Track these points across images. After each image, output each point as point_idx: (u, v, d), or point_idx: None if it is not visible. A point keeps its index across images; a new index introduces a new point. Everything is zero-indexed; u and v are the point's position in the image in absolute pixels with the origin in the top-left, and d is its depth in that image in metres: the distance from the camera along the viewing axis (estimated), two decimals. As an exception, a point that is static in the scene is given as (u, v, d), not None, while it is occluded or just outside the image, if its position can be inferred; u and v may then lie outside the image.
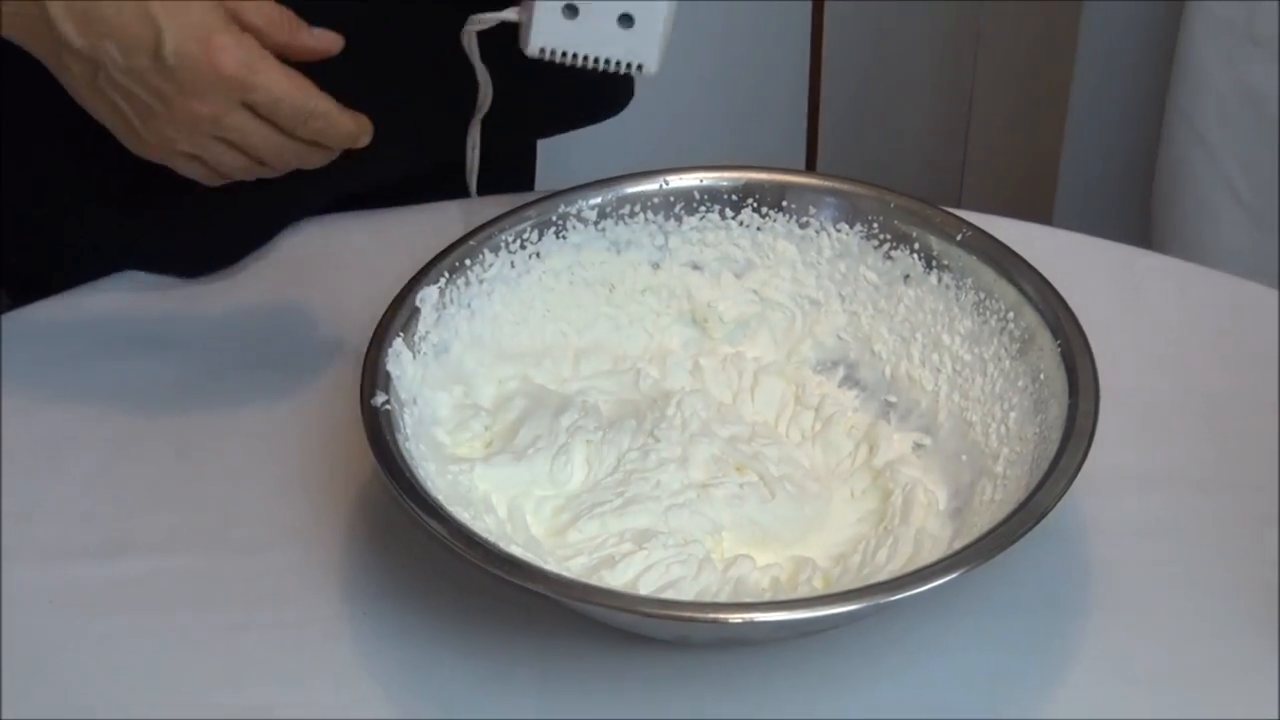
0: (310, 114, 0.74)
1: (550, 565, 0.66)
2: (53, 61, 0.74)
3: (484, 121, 0.86)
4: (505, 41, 0.79)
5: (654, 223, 0.78)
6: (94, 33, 0.70)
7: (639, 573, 0.67)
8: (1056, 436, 0.67)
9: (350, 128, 0.75)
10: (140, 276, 0.87)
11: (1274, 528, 0.72)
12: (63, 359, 0.82)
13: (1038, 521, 0.63)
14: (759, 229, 0.79)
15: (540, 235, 0.77)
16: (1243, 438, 0.77)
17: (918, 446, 0.75)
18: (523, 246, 0.77)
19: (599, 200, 0.78)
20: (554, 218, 0.77)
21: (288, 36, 0.74)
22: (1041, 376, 0.70)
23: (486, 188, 0.88)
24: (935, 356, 0.76)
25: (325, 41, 0.76)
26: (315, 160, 0.77)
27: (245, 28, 0.72)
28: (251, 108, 0.73)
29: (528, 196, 0.78)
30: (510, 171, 1.09)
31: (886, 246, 0.77)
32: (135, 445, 0.77)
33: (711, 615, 0.63)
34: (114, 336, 0.84)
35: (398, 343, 0.71)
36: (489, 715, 0.66)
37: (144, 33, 0.70)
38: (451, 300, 0.74)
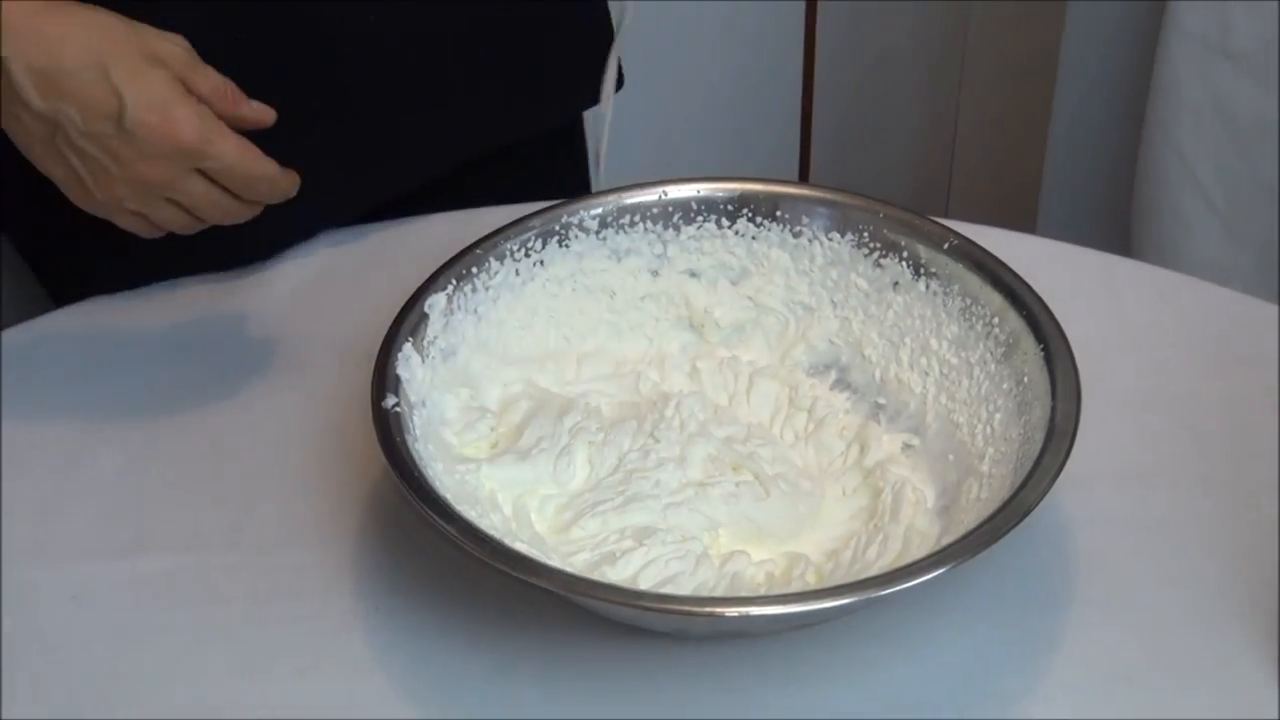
0: (257, 179, 0.76)
1: (554, 561, 0.66)
2: (8, 120, 0.73)
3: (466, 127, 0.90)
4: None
5: (653, 232, 0.79)
6: (55, 96, 0.71)
7: (639, 568, 0.68)
8: (1039, 437, 0.67)
9: (287, 187, 0.78)
10: (158, 286, 0.87)
11: (1250, 522, 0.72)
12: (85, 365, 0.82)
13: (1022, 519, 0.63)
14: (754, 238, 0.79)
15: (544, 244, 0.77)
16: (1219, 437, 0.77)
17: (906, 447, 0.75)
18: (527, 255, 0.77)
19: (600, 210, 0.78)
20: (557, 227, 0.77)
21: (231, 107, 0.76)
22: (1025, 379, 0.70)
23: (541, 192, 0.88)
24: (923, 360, 0.76)
25: (261, 114, 0.78)
26: (247, 215, 0.78)
27: (197, 97, 0.74)
28: (202, 173, 0.74)
29: (531, 207, 0.78)
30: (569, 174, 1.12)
31: (876, 255, 0.77)
32: (156, 447, 0.77)
33: (708, 609, 0.63)
34: (133, 343, 0.84)
35: (407, 347, 0.71)
36: (495, 705, 0.66)
37: (106, 100, 0.71)
38: (459, 306, 0.74)
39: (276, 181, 0.77)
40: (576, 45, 0.98)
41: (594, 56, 0.95)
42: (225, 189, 0.76)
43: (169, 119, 0.72)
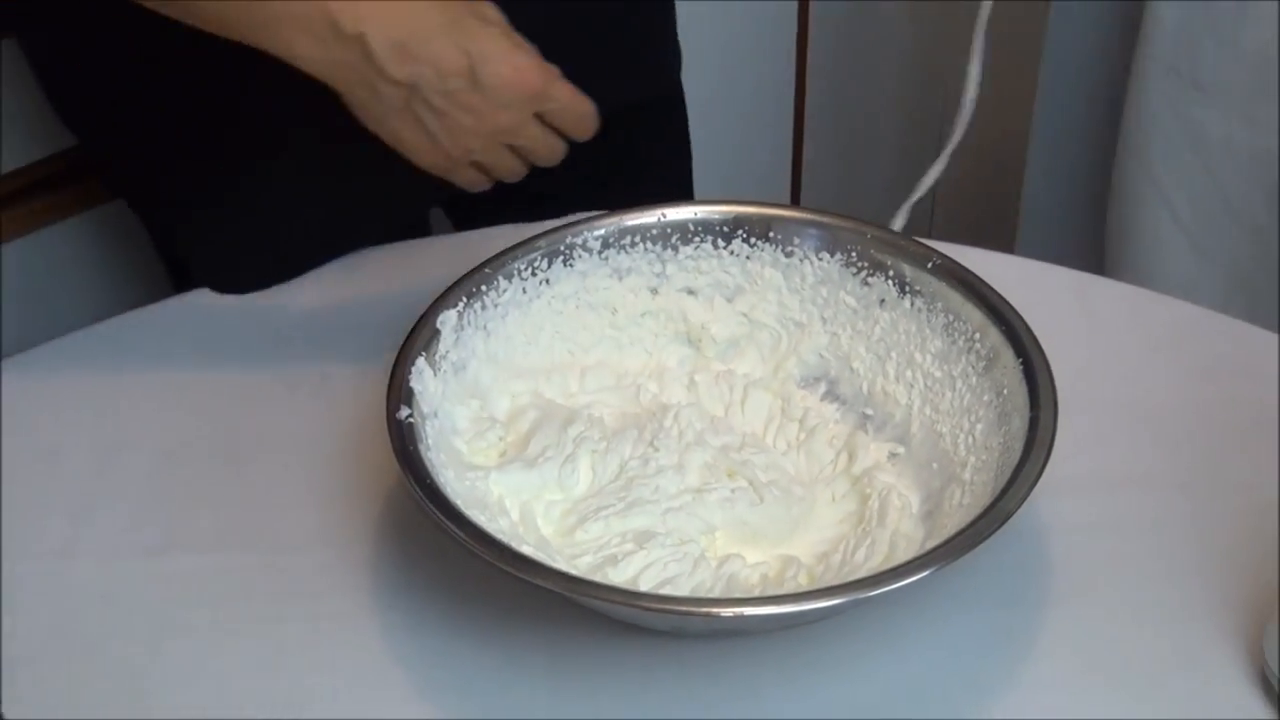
0: (584, 115, 0.79)
1: (559, 563, 0.66)
2: (361, 94, 0.76)
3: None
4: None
5: (652, 252, 0.79)
6: (412, 62, 0.74)
7: (639, 570, 0.68)
8: (1019, 446, 0.67)
9: (595, 122, 0.81)
10: (184, 302, 0.87)
11: (1219, 525, 0.72)
12: (116, 376, 0.83)
13: (1002, 523, 0.63)
14: (748, 257, 0.79)
15: (549, 263, 0.77)
16: (1188, 446, 0.77)
17: (892, 455, 0.75)
18: (533, 273, 0.77)
19: (602, 231, 0.78)
20: (561, 247, 0.77)
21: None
22: (1005, 391, 0.70)
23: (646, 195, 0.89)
24: (908, 373, 0.76)
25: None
26: (562, 155, 0.81)
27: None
28: (540, 117, 0.78)
29: (539, 227, 0.78)
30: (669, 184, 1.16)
31: (864, 273, 0.77)
32: (183, 454, 0.78)
33: (705, 609, 0.63)
34: (163, 354, 0.84)
35: (420, 361, 0.71)
36: (503, 699, 0.66)
37: (457, 59, 0.74)
38: (469, 322, 0.74)
39: (594, 117, 0.80)
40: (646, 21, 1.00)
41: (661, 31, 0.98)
42: (559, 132, 0.80)
43: (517, 69, 0.76)
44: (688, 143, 1.20)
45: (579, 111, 0.79)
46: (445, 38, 0.75)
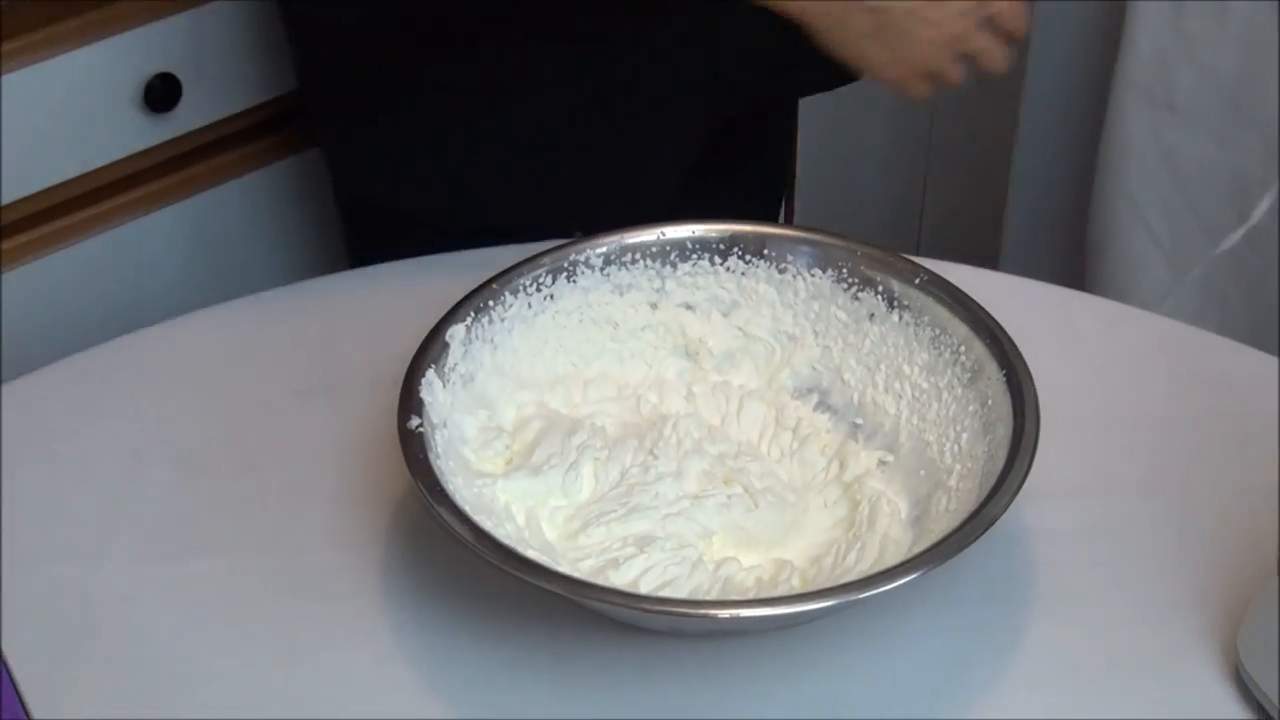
0: (1021, 16, 0.86)
1: (562, 567, 0.66)
2: (837, 27, 0.83)
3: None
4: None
5: (652, 269, 0.79)
6: None
7: (639, 573, 0.68)
8: (1003, 454, 0.67)
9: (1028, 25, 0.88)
10: (203, 317, 0.88)
11: (1194, 530, 0.73)
12: (140, 389, 0.83)
13: (987, 528, 0.63)
14: (743, 274, 0.79)
15: (553, 279, 0.77)
16: (1165, 454, 0.77)
17: (881, 463, 0.75)
18: (538, 289, 0.77)
19: (605, 249, 0.78)
20: (565, 264, 0.78)
21: None
22: (989, 402, 0.71)
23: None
24: (897, 385, 0.76)
25: None
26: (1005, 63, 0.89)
27: None
28: (984, 23, 0.85)
29: (540, 246, 0.79)
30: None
31: (854, 289, 0.78)
32: (204, 462, 0.78)
33: (702, 611, 0.64)
34: (182, 366, 0.84)
35: (430, 373, 0.71)
36: (508, 697, 0.66)
37: None
38: (477, 336, 0.75)
39: (1028, 17, 0.87)
40: None
41: None
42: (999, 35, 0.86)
43: None
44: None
45: (1017, 12, 0.86)
46: None
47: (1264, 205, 1.21)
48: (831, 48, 0.84)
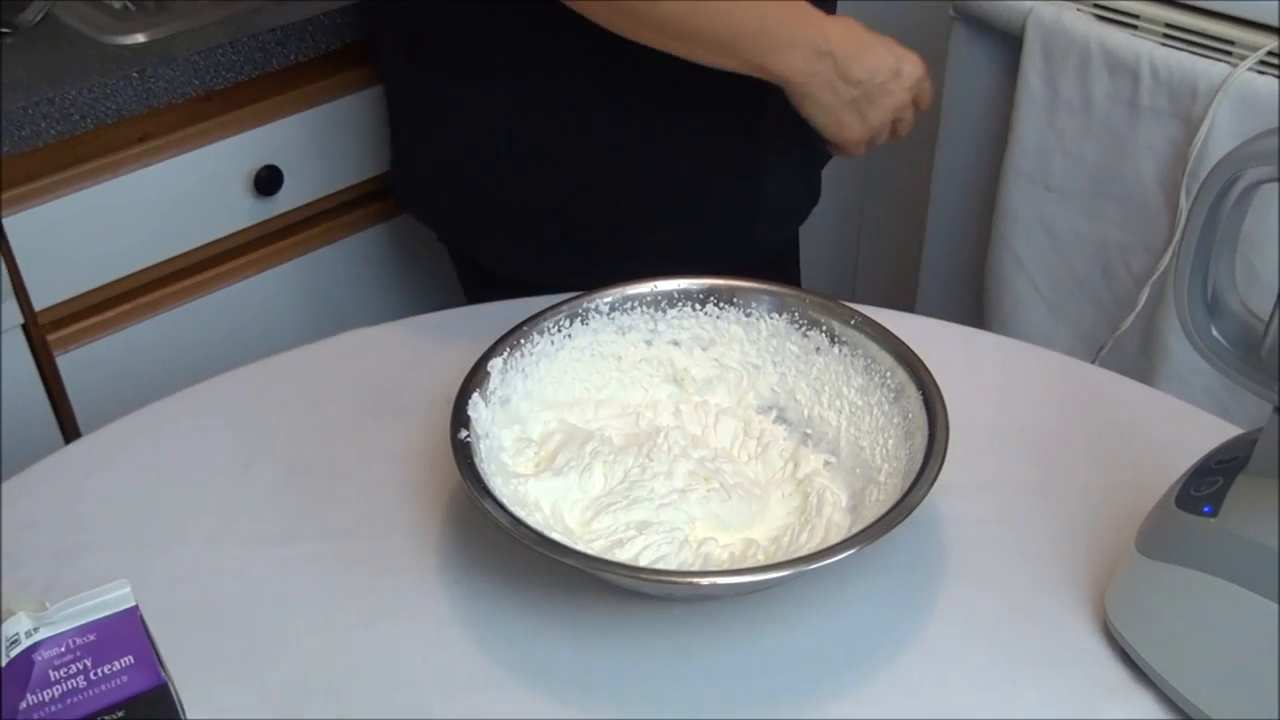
0: (930, 94, 0.89)
1: (579, 546, 0.66)
2: (825, 93, 0.84)
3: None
4: None
5: (647, 314, 0.79)
6: (868, 70, 0.83)
7: (639, 551, 0.68)
8: (920, 457, 0.67)
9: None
10: (297, 355, 0.88)
11: (1070, 516, 0.73)
12: (250, 411, 0.83)
13: (908, 515, 0.64)
14: (718, 317, 0.79)
15: (570, 322, 0.77)
16: (1047, 458, 0.77)
17: (826, 463, 0.75)
18: (558, 330, 0.77)
19: (610, 299, 0.78)
20: (579, 310, 0.78)
21: None
22: (910, 415, 0.71)
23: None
24: (838, 402, 0.76)
25: None
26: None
27: None
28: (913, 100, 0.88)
29: (561, 297, 0.79)
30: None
31: (804, 328, 0.78)
32: (302, 467, 0.78)
33: (688, 580, 0.64)
34: (283, 391, 0.84)
35: (475, 396, 0.71)
36: (538, 648, 0.66)
37: (890, 63, 0.84)
38: (511, 367, 0.75)
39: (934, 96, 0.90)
40: None
41: None
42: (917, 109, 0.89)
43: (915, 63, 0.86)
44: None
45: (930, 94, 0.89)
46: (880, 48, 0.84)
47: (1143, 297, 1.21)
48: (811, 112, 0.85)
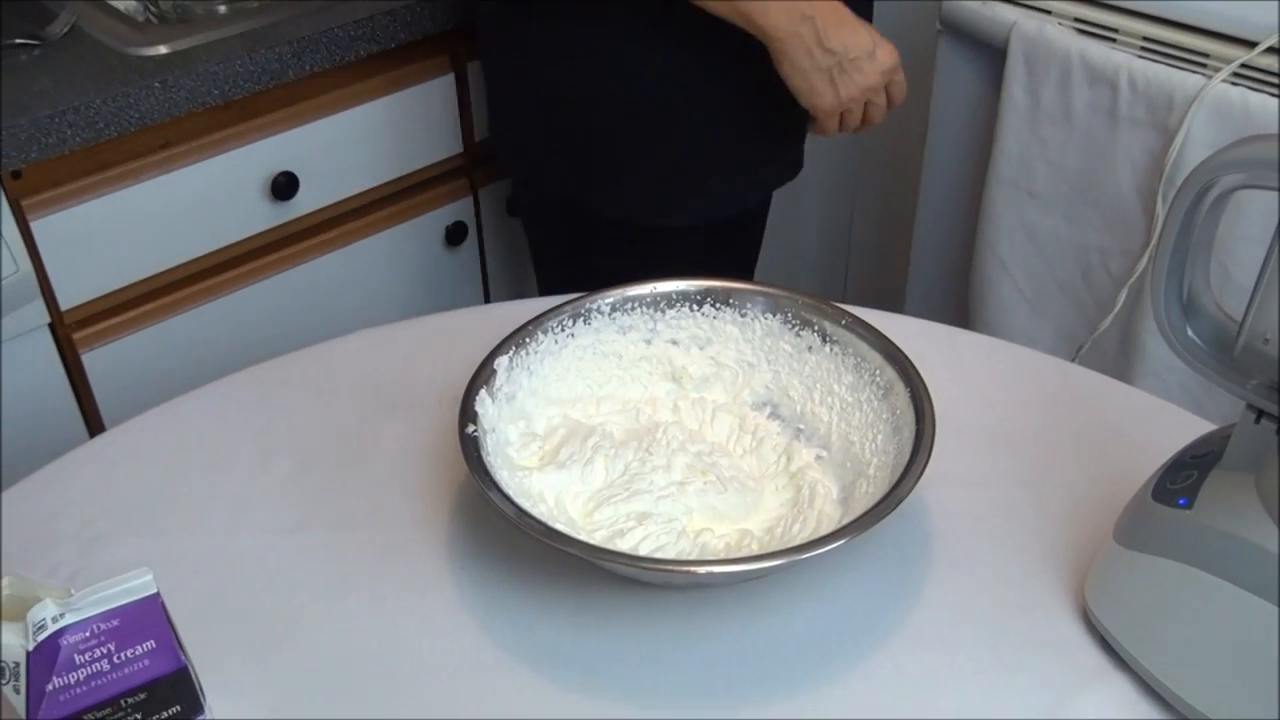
0: (904, 91, 0.93)
1: (582, 536, 0.66)
2: (802, 57, 0.88)
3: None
4: None
5: (647, 314, 0.79)
6: (841, 41, 0.87)
7: (639, 540, 0.68)
8: (908, 451, 0.67)
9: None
10: (311, 353, 0.88)
11: (1049, 508, 0.73)
12: (266, 406, 0.83)
13: (896, 507, 0.63)
14: (714, 318, 0.79)
15: (573, 322, 0.77)
16: (1029, 452, 0.77)
17: (818, 457, 0.75)
18: (562, 330, 0.77)
19: (611, 299, 0.78)
20: (581, 311, 0.78)
21: None
22: (898, 412, 0.71)
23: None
24: (829, 399, 0.76)
25: None
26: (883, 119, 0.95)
27: None
28: (886, 86, 0.91)
29: (565, 298, 0.79)
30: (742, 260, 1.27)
31: (797, 328, 0.78)
32: (315, 461, 0.78)
33: (686, 568, 0.64)
34: (298, 388, 0.84)
35: (482, 393, 0.71)
36: (542, 634, 0.66)
37: (868, 42, 0.88)
38: (517, 365, 0.75)
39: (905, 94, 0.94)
40: None
41: None
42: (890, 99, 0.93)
43: (891, 51, 0.89)
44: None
45: (904, 87, 0.92)
46: (861, 28, 0.88)
47: (1122, 299, 1.21)
48: (787, 73, 0.88)
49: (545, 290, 1.17)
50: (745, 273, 1.30)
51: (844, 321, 0.76)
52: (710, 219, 1.05)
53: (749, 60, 0.92)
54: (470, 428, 0.68)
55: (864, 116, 0.94)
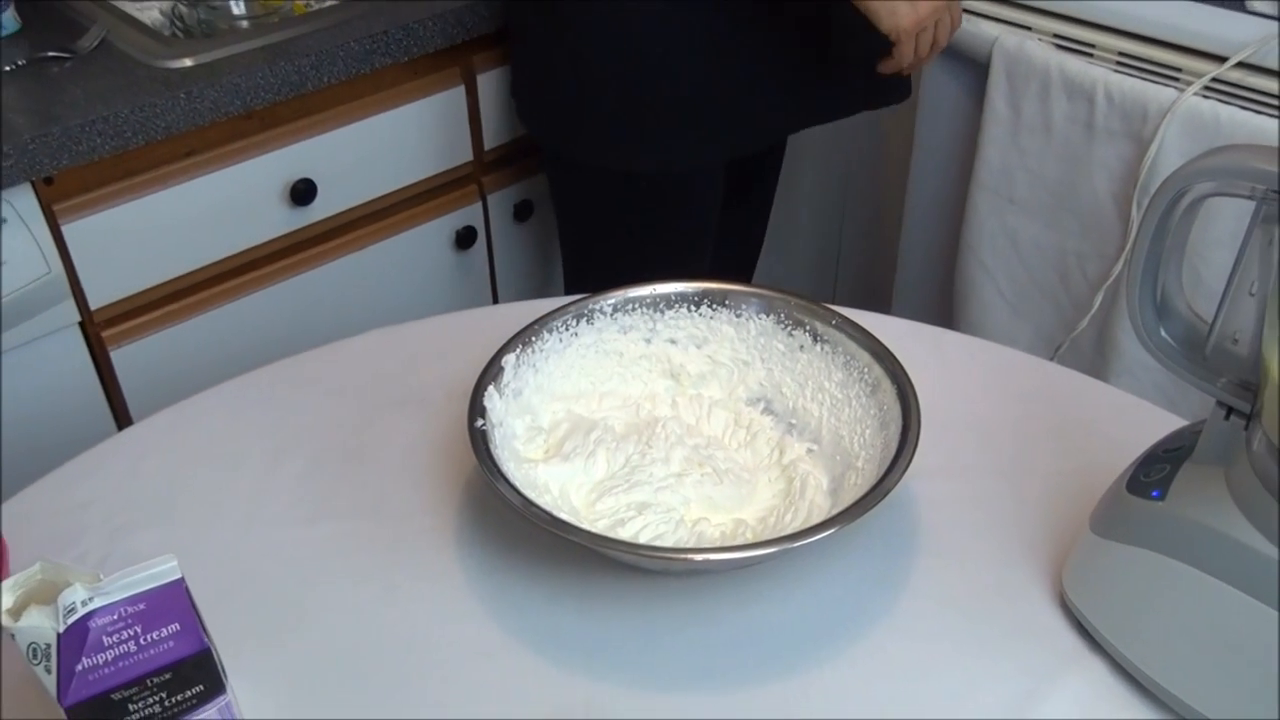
0: (961, 14, 0.99)
1: (584, 525, 0.66)
2: None
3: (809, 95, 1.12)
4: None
5: (647, 314, 0.79)
6: None
7: (639, 529, 0.68)
8: (894, 444, 0.67)
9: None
10: (325, 351, 0.87)
11: (1027, 499, 0.72)
12: (280, 403, 0.82)
13: (883, 498, 0.63)
14: (711, 318, 0.79)
15: (577, 322, 0.77)
16: (1010, 445, 0.77)
17: (809, 450, 0.75)
18: (566, 329, 0.77)
19: (613, 300, 0.78)
20: (585, 311, 0.77)
21: None
22: (885, 408, 0.71)
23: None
24: (820, 395, 0.76)
25: None
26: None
27: None
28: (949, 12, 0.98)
29: (569, 299, 0.78)
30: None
31: (789, 328, 0.78)
32: (330, 453, 0.77)
33: (684, 556, 0.63)
34: (310, 385, 0.84)
35: (490, 389, 0.71)
36: (547, 619, 0.66)
37: None
38: (523, 362, 0.74)
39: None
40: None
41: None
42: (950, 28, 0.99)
43: None
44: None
45: (960, 22, 0.99)
46: None
47: (1098, 301, 1.21)
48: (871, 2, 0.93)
49: (570, 253, 1.21)
50: (761, 215, 1.36)
51: (834, 322, 0.76)
52: (732, 156, 1.12)
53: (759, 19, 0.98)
54: (479, 422, 0.68)
55: (931, 44, 0.98)
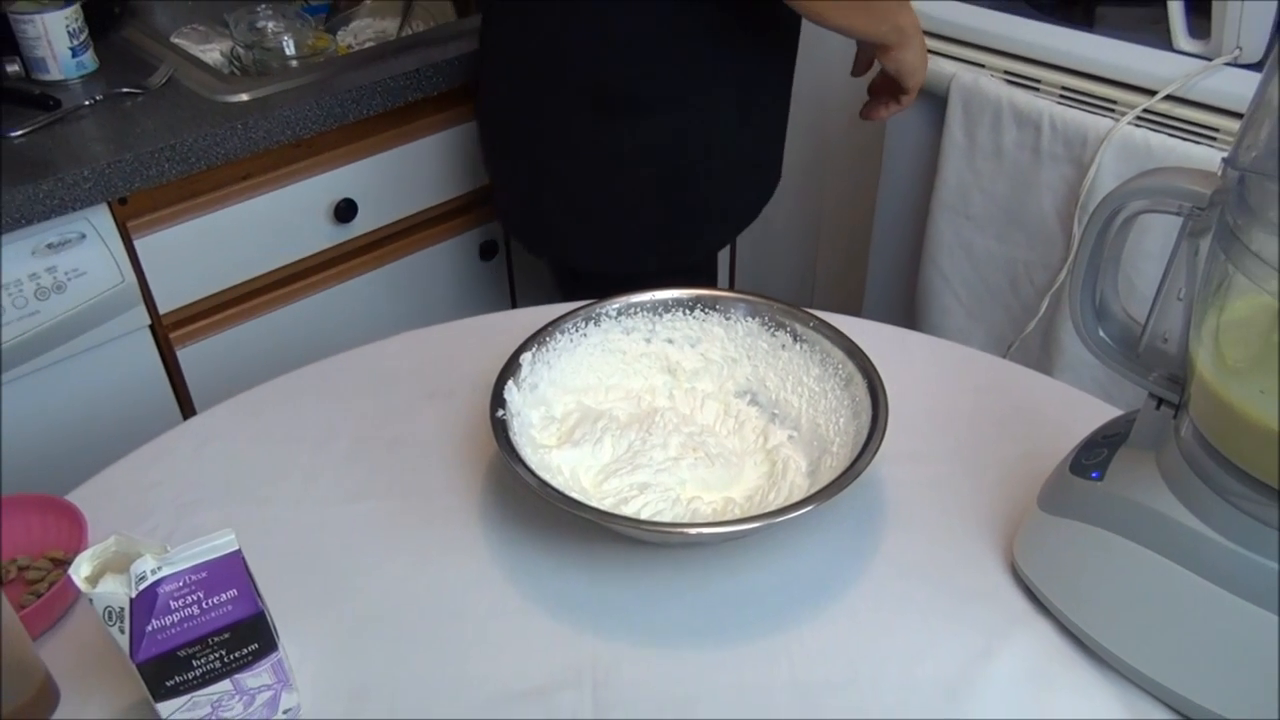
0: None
1: (593, 503, 0.66)
2: (919, 41, 0.92)
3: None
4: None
5: (647, 317, 0.79)
6: (915, 27, 0.92)
7: (641, 507, 0.68)
8: (865, 432, 0.67)
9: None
10: (367, 350, 0.87)
11: (983, 481, 0.72)
12: (328, 394, 0.82)
13: (855, 479, 0.63)
14: (704, 320, 0.79)
15: (585, 324, 0.77)
16: (967, 432, 0.77)
17: (790, 437, 0.74)
18: (576, 330, 0.77)
19: (618, 305, 0.78)
20: (592, 314, 0.77)
21: None
22: (857, 399, 0.70)
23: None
24: (800, 389, 0.76)
25: None
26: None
27: None
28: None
29: (577, 305, 0.78)
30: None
31: (772, 329, 0.77)
32: (369, 440, 0.77)
33: (680, 530, 0.63)
34: (350, 380, 0.84)
35: (510, 383, 0.71)
36: (559, 585, 0.66)
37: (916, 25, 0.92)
38: (539, 359, 0.74)
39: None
40: None
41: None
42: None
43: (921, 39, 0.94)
44: None
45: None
46: (908, 12, 0.91)
47: (1044, 305, 1.20)
48: (909, 58, 0.92)
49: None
50: None
51: (812, 324, 0.75)
52: (735, 236, 1.09)
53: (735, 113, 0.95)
54: (500, 412, 0.68)
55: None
